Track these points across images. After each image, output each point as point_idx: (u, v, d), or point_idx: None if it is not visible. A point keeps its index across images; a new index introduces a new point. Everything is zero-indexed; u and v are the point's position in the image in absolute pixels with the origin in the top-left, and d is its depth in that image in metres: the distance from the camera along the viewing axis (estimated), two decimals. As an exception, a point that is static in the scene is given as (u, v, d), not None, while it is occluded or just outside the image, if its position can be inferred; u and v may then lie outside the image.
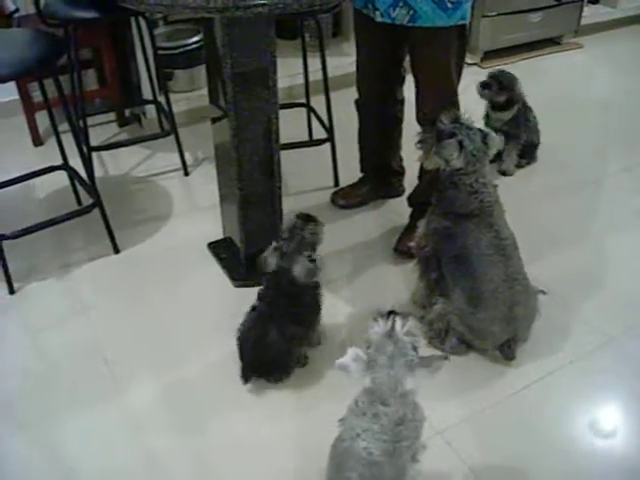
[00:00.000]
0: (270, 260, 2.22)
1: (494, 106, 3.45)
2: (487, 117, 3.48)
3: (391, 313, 1.65)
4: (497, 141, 2.28)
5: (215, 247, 2.92)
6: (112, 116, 3.94)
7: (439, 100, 2.52)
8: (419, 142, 2.37)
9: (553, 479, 2.05)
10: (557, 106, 4.14)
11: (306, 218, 2.26)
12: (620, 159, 3.66)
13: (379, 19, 2.48)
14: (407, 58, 2.71)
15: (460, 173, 2.25)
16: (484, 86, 3.39)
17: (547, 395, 2.30)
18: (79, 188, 3.14)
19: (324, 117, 3.28)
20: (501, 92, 3.38)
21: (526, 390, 2.31)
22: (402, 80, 2.84)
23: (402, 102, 2.93)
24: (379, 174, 3.16)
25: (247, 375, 2.29)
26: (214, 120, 2.71)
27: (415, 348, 1.63)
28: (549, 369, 2.38)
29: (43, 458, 2.11)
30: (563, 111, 4.10)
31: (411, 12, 2.38)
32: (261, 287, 2.30)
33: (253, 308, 2.29)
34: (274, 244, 2.23)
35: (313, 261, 2.21)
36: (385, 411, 1.62)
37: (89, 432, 2.18)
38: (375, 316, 1.67)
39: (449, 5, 2.36)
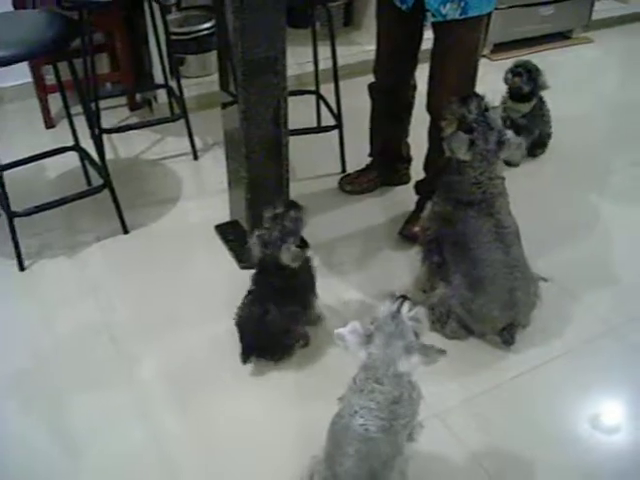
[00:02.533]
0: (254, 250, 2.26)
1: (513, 96, 3.50)
2: (504, 108, 3.47)
3: (402, 297, 1.69)
4: (514, 146, 2.25)
5: (222, 229, 2.96)
6: (123, 100, 3.99)
7: (461, 89, 2.49)
8: (447, 112, 2.32)
9: (549, 463, 2.07)
10: (566, 100, 4.14)
11: (287, 205, 2.29)
12: (629, 153, 3.67)
13: (431, 20, 2.49)
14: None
15: (466, 165, 2.26)
16: (515, 73, 3.42)
17: (546, 381, 2.32)
18: (90, 169, 3.17)
19: (333, 105, 3.31)
20: (529, 81, 3.42)
21: (525, 375, 2.33)
22: (415, 66, 2.86)
23: (415, 87, 2.95)
24: (387, 160, 3.18)
25: (246, 356, 2.33)
26: (224, 105, 2.75)
27: (417, 334, 1.67)
28: (549, 356, 2.40)
29: (50, 437, 2.14)
30: (572, 105, 4.11)
31: (462, 4, 2.39)
32: (253, 272, 2.34)
33: (249, 292, 2.33)
34: (257, 233, 2.26)
35: (298, 247, 2.24)
36: (380, 389, 1.65)
37: (96, 411, 2.22)
38: (386, 296, 1.71)
39: None
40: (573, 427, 2.19)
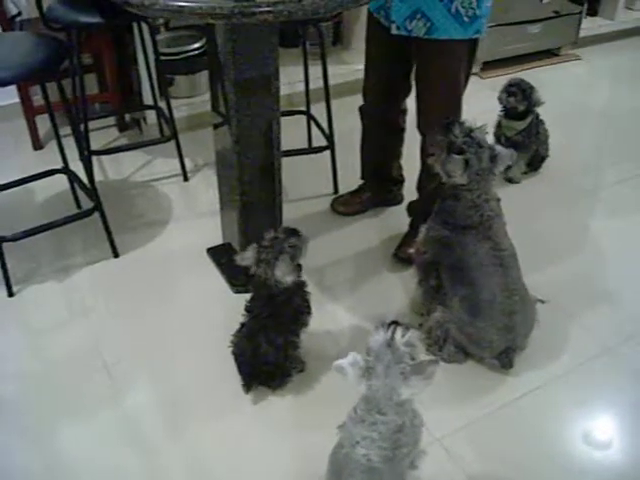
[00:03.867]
0: (247, 255, 2.21)
1: (508, 114, 3.50)
2: (499, 126, 3.53)
3: (393, 323, 1.66)
4: (507, 159, 2.26)
5: (214, 252, 2.92)
6: (112, 121, 3.95)
7: (444, 111, 2.53)
8: (431, 146, 2.34)
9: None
10: (555, 117, 4.15)
11: (290, 232, 2.25)
12: (619, 170, 3.68)
13: (395, 32, 2.50)
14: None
15: (463, 189, 2.25)
16: (510, 93, 3.42)
17: (545, 404, 2.30)
18: (79, 192, 3.14)
19: (324, 125, 3.30)
20: (523, 100, 3.42)
21: (524, 398, 2.31)
22: (408, 91, 2.84)
23: (405, 112, 2.95)
24: (379, 181, 3.17)
25: (248, 386, 2.31)
26: (215, 126, 2.73)
27: (413, 358, 1.64)
28: (547, 378, 2.39)
29: (42, 462, 2.10)
30: (561, 121, 4.11)
31: (428, 24, 2.40)
32: (247, 301, 2.30)
33: (242, 325, 2.30)
34: (255, 246, 2.22)
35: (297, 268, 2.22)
36: (382, 420, 1.62)
37: (88, 436, 2.18)
38: (377, 324, 1.68)
39: (466, 19, 2.38)
40: (573, 449, 2.17)
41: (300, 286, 2.29)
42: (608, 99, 4.60)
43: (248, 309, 2.29)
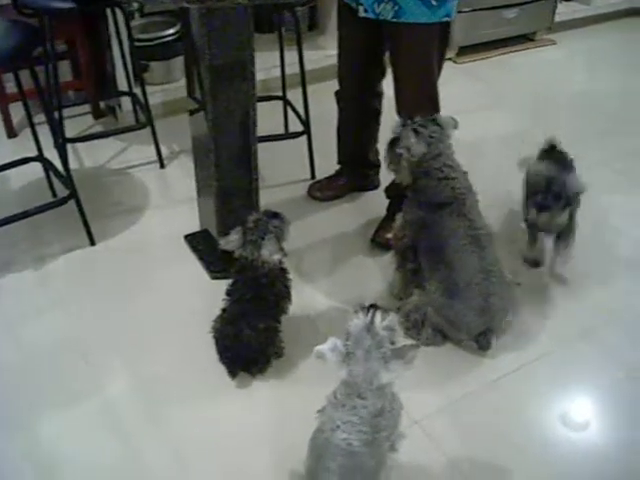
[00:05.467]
0: (232, 237, 2.23)
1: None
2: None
3: (372, 307, 1.67)
4: (450, 123, 2.35)
5: (192, 239, 2.92)
6: (87, 108, 3.91)
7: (418, 95, 2.56)
8: (388, 164, 2.45)
9: (528, 468, 2.08)
10: (530, 100, 4.19)
11: (272, 214, 2.27)
12: (593, 153, 3.69)
13: (362, 14, 2.49)
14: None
15: (427, 158, 2.29)
16: (541, 207, 2.62)
17: (523, 385, 2.32)
18: (54, 180, 3.11)
19: (300, 110, 3.29)
20: (556, 200, 2.59)
21: (502, 380, 2.33)
22: (383, 74, 2.85)
23: (381, 95, 2.95)
24: (356, 166, 3.17)
25: (233, 372, 2.31)
26: (191, 112, 2.71)
27: (393, 343, 1.64)
28: (526, 359, 2.41)
29: (21, 453, 2.09)
30: (536, 105, 4.15)
31: (396, 7, 2.39)
32: (229, 285, 2.31)
33: (223, 310, 2.30)
34: (239, 228, 2.23)
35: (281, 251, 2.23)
36: (363, 404, 1.63)
37: (67, 426, 2.17)
38: (356, 308, 1.68)
39: (434, 2, 2.37)
40: (552, 430, 2.19)
41: (283, 271, 2.30)
42: (582, 83, 4.61)
43: (229, 293, 2.29)
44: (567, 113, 4.19)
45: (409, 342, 1.67)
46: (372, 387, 1.62)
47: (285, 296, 2.31)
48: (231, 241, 2.23)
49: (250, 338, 2.23)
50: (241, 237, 2.21)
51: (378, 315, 1.64)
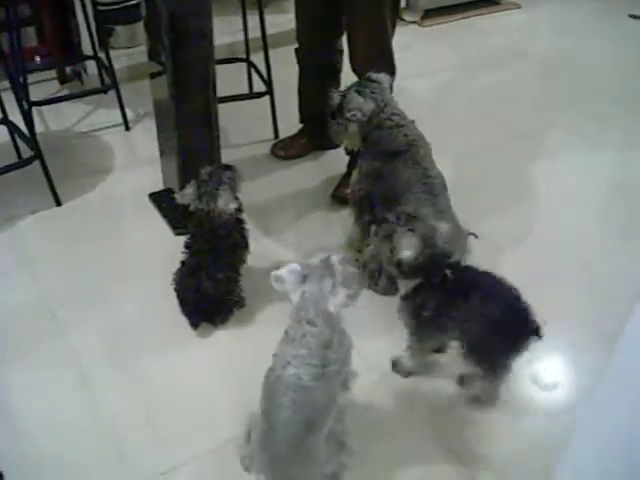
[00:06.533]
0: (187, 191, 2.28)
1: None
2: None
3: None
4: (386, 79, 2.45)
5: (156, 198, 2.97)
6: (53, 74, 3.92)
7: (372, 51, 2.61)
8: (336, 136, 2.55)
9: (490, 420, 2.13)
10: (494, 63, 4.23)
11: (225, 167, 2.34)
12: (553, 114, 3.76)
13: None
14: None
15: (377, 112, 2.36)
16: None
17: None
18: (20, 143, 3.13)
19: (264, 72, 3.33)
20: None
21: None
22: (340, 30, 2.88)
23: (341, 53, 2.99)
24: (317, 124, 3.18)
25: (195, 323, 2.37)
26: (153, 75, 2.75)
27: (346, 277, 1.72)
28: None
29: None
30: (500, 68, 4.19)
31: None
32: (187, 238, 2.37)
33: (182, 263, 2.36)
34: (194, 182, 2.29)
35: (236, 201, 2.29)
36: (312, 331, 1.70)
37: (36, 382, 2.22)
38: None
39: None
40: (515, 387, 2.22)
41: (239, 221, 2.36)
42: (545, 47, 4.66)
43: (188, 245, 2.35)
44: (529, 75, 4.24)
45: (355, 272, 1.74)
46: (319, 311, 1.69)
47: (243, 246, 2.37)
48: (186, 194, 2.29)
49: (210, 289, 2.29)
50: (196, 190, 2.26)
51: (335, 255, 1.73)
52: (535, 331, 1.96)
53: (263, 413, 1.79)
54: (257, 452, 1.77)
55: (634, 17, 4.88)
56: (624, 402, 1.25)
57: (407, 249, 1.97)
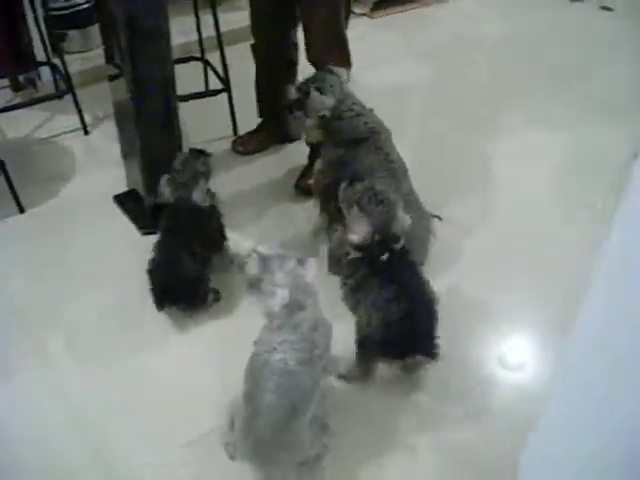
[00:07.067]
0: (163, 190, 2.31)
1: None
2: None
3: None
4: (343, 73, 2.49)
5: (120, 199, 2.98)
6: (5, 82, 3.88)
7: (328, 43, 2.65)
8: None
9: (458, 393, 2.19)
10: (447, 51, 4.29)
11: (197, 152, 2.39)
12: (507, 98, 3.81)
13: None
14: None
15: (337, 106, 2.41)
16: None
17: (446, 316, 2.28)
18: (-22, 153, 3.11)
19: (220, 70, 3.35)
20: None
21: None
22: (295, 24, 2.93)
23: (296, 46, 3.03)
24: (276, 118, 3.24)
25: (160, 303, 2.38)
26: (111, 78, 2.76)
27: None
28: (445, 288, 2.42)
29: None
30: (452, 55, 4.26)
31: None
32: (161, 221, 2.40)
33: (159, 241, 2.38)
34: (167, 176, 2.32)
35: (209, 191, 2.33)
36: (304, 317, 1.76)
37: (8, 389, 2.23)
38: None
39: None
40: (483, 365, 2.27)
41: (214, 208, 2.45)
42: (496, 32, 4.69)
43: (162, 228, 2.42)
44: (480, 60, 4.30)
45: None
46: (305, 292, 1.77)
47: (220, 234, 2.46)
48: (163, 193, 2.31)
49: (187, 266, 2.32)
50: (171, 185, 2.30)
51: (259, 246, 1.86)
52: (431, 354, 2.04)
53: (245, 399, 1.81)
54: (241, 438, 1.80)
55: (605, 9, 4.93)
56: (590, 377, 1.29)
57: (357, 234, 2.05)
